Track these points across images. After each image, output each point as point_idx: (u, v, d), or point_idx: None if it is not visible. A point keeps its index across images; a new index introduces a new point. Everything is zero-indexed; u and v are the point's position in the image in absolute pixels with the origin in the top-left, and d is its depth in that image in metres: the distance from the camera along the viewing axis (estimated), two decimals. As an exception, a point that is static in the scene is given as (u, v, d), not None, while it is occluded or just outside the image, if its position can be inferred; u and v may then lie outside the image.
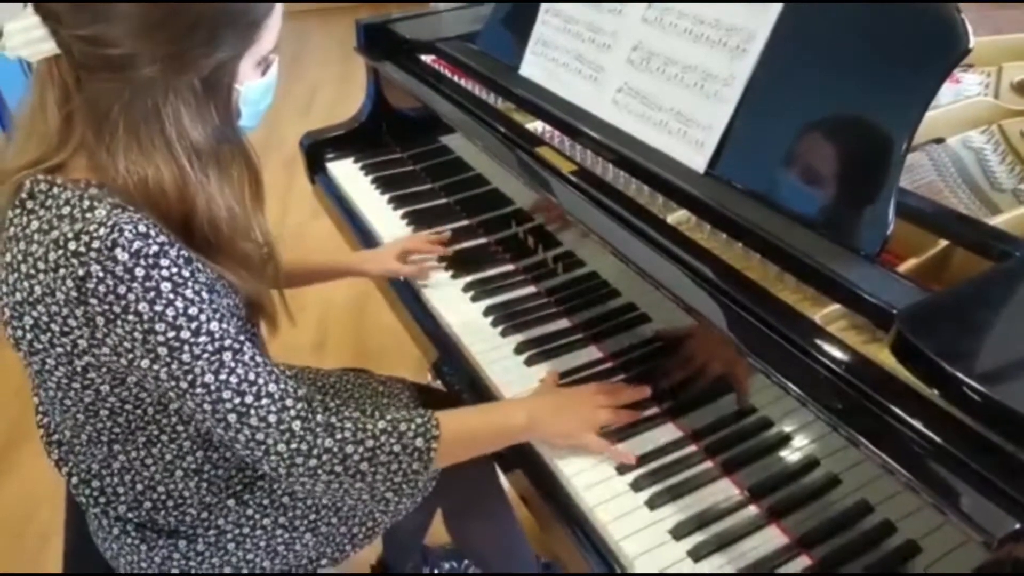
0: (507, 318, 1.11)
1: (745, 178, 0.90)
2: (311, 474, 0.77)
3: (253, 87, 0.79)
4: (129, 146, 0.72)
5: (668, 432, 0.91)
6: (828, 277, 0.76)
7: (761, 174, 0.89)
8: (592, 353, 1.04)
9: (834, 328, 0.76)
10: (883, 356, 0.71)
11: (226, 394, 0.74)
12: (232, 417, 0.74)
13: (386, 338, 2.19)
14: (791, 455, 0.80)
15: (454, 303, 1.16)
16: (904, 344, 0.64)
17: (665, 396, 0.94)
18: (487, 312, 1.13)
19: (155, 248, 0.69)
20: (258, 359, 0.76)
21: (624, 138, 1.03)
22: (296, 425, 0.76)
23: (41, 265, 0.70)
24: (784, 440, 0.80)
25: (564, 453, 0.89)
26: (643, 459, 0.87)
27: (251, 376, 0.75)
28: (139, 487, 0.88)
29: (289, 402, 0.77)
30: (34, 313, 0.73)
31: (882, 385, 0.67)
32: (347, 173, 1.53)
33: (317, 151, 1.58)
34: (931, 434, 0.62)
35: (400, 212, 1.39)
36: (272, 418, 0.75)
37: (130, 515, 0.89)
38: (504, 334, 1.09)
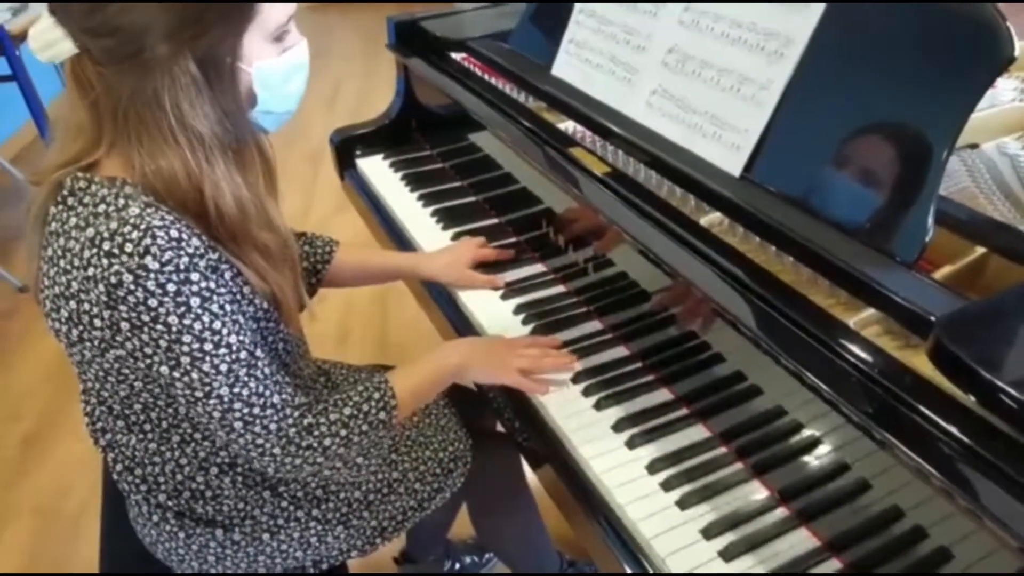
0: (537, 317, 1.12)
1: (781, 182, 0.91)
2: (297, 468, 0.84)
3: (269, 66, 0.78)
4: (139, 137, 0.73)
5: (698, 432, 0.92)
6: (865, 283, 0.76)
7: (797, 179, 0.89)
8: (621, 352, 1.05)
9: (868, 333, 0.76)
10: (917, 362, 0.71)
11: (237, 405, 0.77)
12: (238, 424, 0.78)
13: (409, 333, 2.21)
14: (822, 458, 0.81)
15: (485, 302, 1.17)
16: (942, 351, 0.65)
17: (694, 397, 0.95)
18: (517, 311, 1.14)
19: (185, 260, 0.71)
20: (267, 371, 0.80)
21: (657, 140, 1.04)
22: (292, 432, 0.82)
23: (77, 262, 0.73)
24: (815, 443, 0.81)
25: (593, 451, 0.90)
26: (674, 458, 0.88)
27: (260, 389, 0.79)
28: (179, 477, 0.90)
29: (288, 411, 0.82)
30: (69, 307, 0.75)
31: (917, 390, 0.67)
32: (377, 170, 1.54)
33: (347, 147, 1.60)
34: (966, 439, 0.63)
35: (430, 209, 1.40)
36: (273, 426, 0.80)
37: (170, 503, 0.91)
38: (534, 333, 1.10)
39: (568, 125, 1.19)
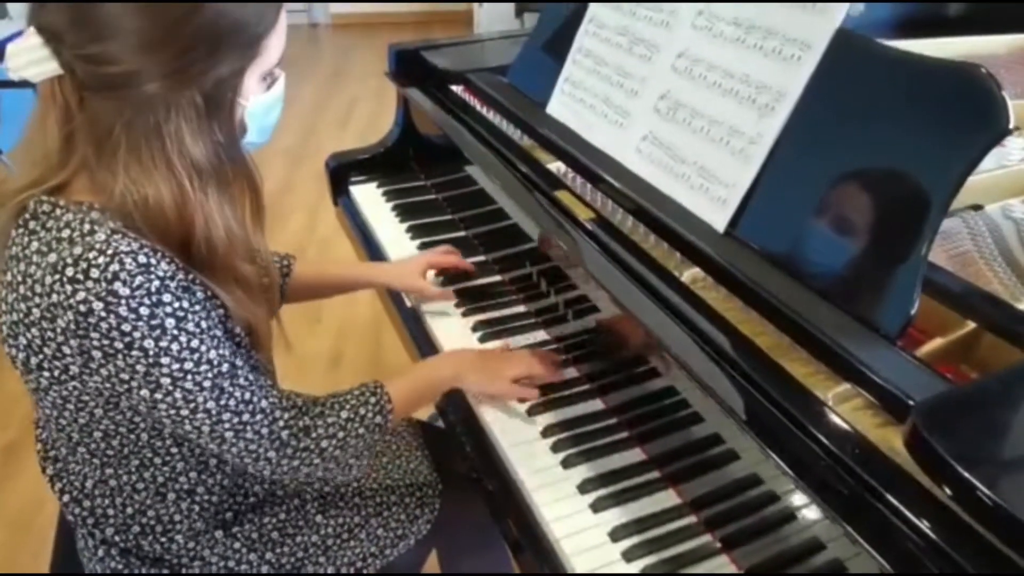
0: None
1: (765, 241, 0.87)
2: (294, 470, 0.85)
3: (258, 102, 0.78)
4: (129, 165, 0.71)
5: (667, 498, 0.88)
6: (841, 356, 0.72)
7: (782, 238, 0.86)
8: (596, 405, 1.01)
9: (847, 407, 0.72)
10: (897, 443, 0.67)
11: (225, 416, 0.77)
12: (229, 434, 0.78)
13: (403, 357, 2.18)
14: (794, 536, 0.76)
15: (459, 339, 1.14)
16: (918, 440, 0.60)
17: (666, 459, 0.91)
18: (494, 354, 1.11)
19: (156, 283, 0.69)
20: (251, 377, 0.79)
21: (644, 188, 1.00)
22: (285, 434, 0.82)
23: (39, 288, 0.70)
24: (788, 518, 0.77)
25: (555, 513, 0.86)
26: (639, 525, 0.84)
27: (247, 396, 0.78)
28: (129, 510, 0.87)
29: (278, 413, 0.82)
30: (29, 335, 0.73)
31: (889, 479, 0.63)
32: (369, 198, 1.52)
33: (342, 173, 1.58)
34: (937, 537, 0.58)
35: (417, 242, 1.37)
36: (264, 431, 0.80)
37: (116, 538, 0.88)
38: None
39: (558, 165, 1.16)
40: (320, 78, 4.34)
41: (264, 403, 0.80)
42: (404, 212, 1.46)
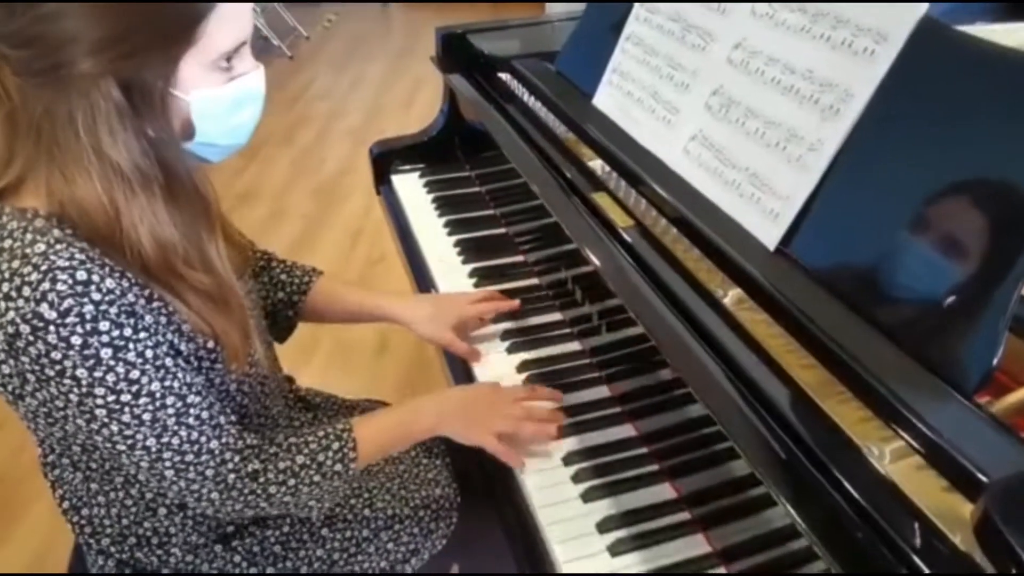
0: (542, 378, 1.01)
1: (821, 263, 0.76)
2: (237, 512, 0.79)
3: (211, 96, 0.69)
4: (54, 161, 0.65)
5: (695, 545, 0.79)
6: (900, 410, 0.61)
7: (840, 261, 0.75)
8: (626, 431, 0.92)
9: (902, 467, 0.61)
10: (965, 511, 0.56)
11: (166, 454, 0.71)
12: (169, 472, 0.72)
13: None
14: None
15: (486, 347, 1.07)
16: (992, 531, 0.50)
17: (697, 499, 0.82)
18: (522, 368, 1.03)
19: (90, 308, 0.63)
20: (203, 416, 0.73)
21: (690, 195, 0.90)
22: (232, 477, 0.76)
23: None
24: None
25: (568, 553, 0.79)
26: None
27: (193, 436, 0.72)
28: (124, 521, 0.84)
29: (227, 455, 0.76)
30: None
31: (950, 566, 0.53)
32: (410, 188, 1.46)
33: (385, 161, 1.52)
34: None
35: (453, 239, 1.30)
36: (210, 472, 0.74)
37: (112, 549, 0.86)
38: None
39: (601, 163, 1.07)
40: (388, 57, 4.29)
41: (214, 443, 0.74)
42: (444, 205, 1.39)
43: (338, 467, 0.82)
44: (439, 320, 1.05)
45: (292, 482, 0.79)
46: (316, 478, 0.80)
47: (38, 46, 0.61)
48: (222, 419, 0.76)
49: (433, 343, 1.08)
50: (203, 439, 0.73)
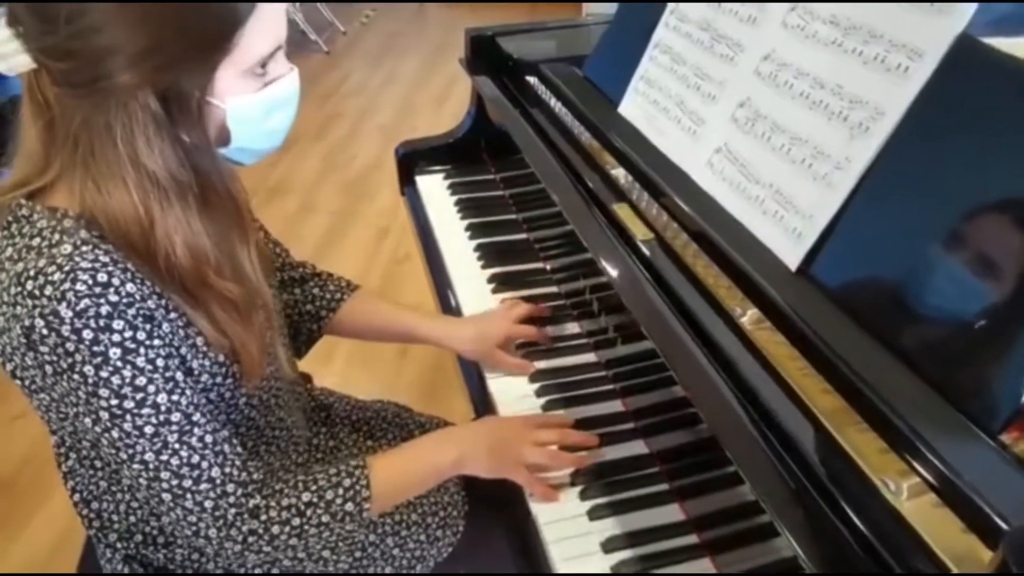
0: (556, 388, 1.00)
1: (843, 286, 0.73)
2: (238, 555, 0.75)
3: (246, 102, 0.69)
4: (89, 168, 0.66)
5: (700, 569, 0.77)
6: (917, 446, 0.59)
7: (864, 285, 0.72)
8: (638, 447, 0.91)
9: (919, 504, 0.59)
10: (983, 555, 0.54)
11: (164, 474, 0.69)
12: (167, 496, 0.70)
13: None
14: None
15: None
16: (1006, 578, 0.47)
17: (706, 522, 0.80)
18: (533, 378, 1.02)
19: (106, 308, 0.64)
20: (207, 439, 0.71)
21: (712, 209, 0.88)
22: (231, 513, 0.73)
23: (5, 296, 0.66)
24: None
25: (571, 571, 0.77)
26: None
27: (194, 459, 0.70)
28: (131, 519, 0.84)
29: (230, 487, 0.72)
30: (1, 342, 0.70)
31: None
32: (433, 190, 1.45)
33: (410, 161, 1.52)
34: None
35: (474, 243, 1.29)
36: (208, 504, 0.71)
37: (119, 545, 0.86)
38: (547, 406, 0.97)
39: (623, 171, 1.05)
40: (423, 55, 4.30)
41: (215, 471, 0.71)
42: (466, 208, 1.38)
43: (349, 506, 0.77)
44: (483, 341, 1.03)
45: (297, 521, 0.75)
46: (324, 518, 0.76)
47: (78, 59, 0.62)
48: (226, 447, 0.73)
49: (484, 365, 1.06)
50: (204, 464, 0.71)
